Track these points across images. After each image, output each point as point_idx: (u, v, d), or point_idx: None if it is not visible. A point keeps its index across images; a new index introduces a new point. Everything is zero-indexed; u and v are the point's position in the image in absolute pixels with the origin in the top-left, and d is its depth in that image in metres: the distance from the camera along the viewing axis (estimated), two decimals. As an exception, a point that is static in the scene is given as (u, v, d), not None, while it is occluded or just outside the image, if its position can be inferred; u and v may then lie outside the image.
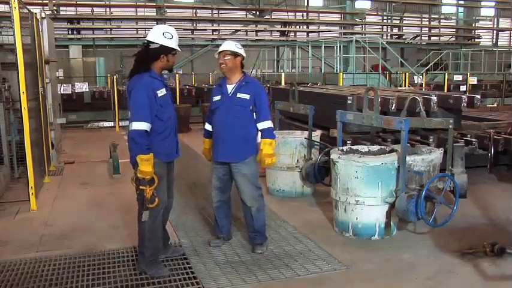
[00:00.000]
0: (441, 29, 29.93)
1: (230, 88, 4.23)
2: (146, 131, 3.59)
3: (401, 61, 20.09)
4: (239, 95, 4.18)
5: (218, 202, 4.38)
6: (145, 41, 3.72)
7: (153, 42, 3.67)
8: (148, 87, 3.62)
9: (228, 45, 4.19)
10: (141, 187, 3.58)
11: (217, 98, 4.30)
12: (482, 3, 31.07)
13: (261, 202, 4.31)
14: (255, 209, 4.26)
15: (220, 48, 4.20)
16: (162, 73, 3.85)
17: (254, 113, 4.20)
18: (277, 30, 25.47)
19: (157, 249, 3.86)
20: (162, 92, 3.71)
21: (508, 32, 32.11)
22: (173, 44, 3.72)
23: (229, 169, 4.26)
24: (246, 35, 25.03)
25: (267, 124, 4.22)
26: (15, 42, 5.46)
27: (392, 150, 4.84)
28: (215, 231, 4.54)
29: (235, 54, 4.17)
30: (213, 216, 4.55)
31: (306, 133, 6.16)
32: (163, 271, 3.82)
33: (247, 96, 4.16)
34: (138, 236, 3.85)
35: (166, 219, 4.15)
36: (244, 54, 4.25)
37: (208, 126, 4.44)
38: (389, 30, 28.62)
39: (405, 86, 15.35)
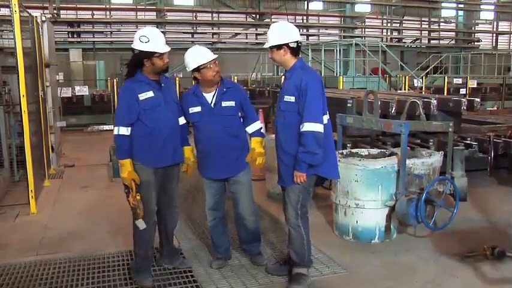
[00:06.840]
0: (441, 33, 30.00)
1: (209, 97, 3.78)
2: (125, 135, 3.61)
3: (401, 64, 20.14)
4: (224, 104, 3.77)
5: (213, 220, 4.00)
6: (132, 48, 3.65)
7: (135, 49, 3.61)
8: (126, 91, 3.66)
9: (209, 54, 3.73)
10: (128, 198, 3.59)
11: (196, 109, 3.79)
12: (482, 6, 31.15)
13: (256, 212, 4.05)
14: (252, 222, 3.97)
15: (207, 59, 3.68)
16: (158, 76, 3.68)
17: (241, 118, 3.89)
18: (277, 34, 25.47)
19: (147, 250, 3.76)
20: (145, 95, 3.58)
21: (508, 35, 32.17)
22: (151, 47, 3.53)
23: (223, 183, 3.95)
24: (246, 38, 25.07)
25: (258, 125, 3.91)
26: (15, 46, 5.47)
27: (392, 154, 4.84)
28: (213, 252, 4.14)
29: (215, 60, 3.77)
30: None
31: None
32: (147, 281, 3.70)
33: (233, 103, 3.78)
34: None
35: (171, 231, 3.99)
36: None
37: None
38: (389, 34, 28.67)
39: (405, 89, 15.37)
